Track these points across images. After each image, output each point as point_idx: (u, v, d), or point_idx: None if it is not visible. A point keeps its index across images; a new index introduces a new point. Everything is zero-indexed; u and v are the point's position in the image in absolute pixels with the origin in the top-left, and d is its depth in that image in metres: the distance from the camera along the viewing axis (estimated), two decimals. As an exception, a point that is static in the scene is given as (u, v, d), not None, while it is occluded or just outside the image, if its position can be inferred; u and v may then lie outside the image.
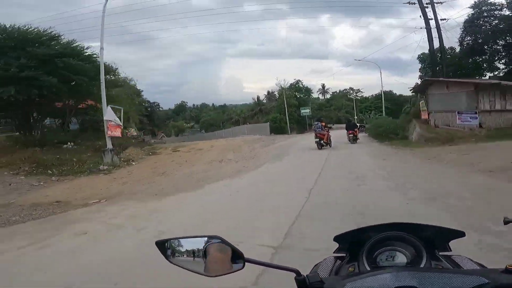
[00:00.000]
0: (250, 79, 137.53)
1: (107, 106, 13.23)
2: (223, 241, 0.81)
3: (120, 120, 14.07)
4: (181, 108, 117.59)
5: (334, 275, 0.93)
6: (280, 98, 47.05)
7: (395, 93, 79.92)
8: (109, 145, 13.03)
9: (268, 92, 59.92)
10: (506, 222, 0.95)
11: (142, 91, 50.38)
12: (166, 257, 0.83)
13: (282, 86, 48.34)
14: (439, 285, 0.64)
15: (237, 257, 0.80)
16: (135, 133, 26.89)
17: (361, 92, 79.83)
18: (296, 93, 52.07)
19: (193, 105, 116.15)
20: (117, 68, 22.63)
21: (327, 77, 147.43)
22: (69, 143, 14.57)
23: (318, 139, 13.36)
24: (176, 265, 0.83)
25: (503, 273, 0.67)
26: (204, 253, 0.81)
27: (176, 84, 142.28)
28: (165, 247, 0.84)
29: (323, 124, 14.92)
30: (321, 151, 14.27)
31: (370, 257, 0.88)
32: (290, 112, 45.53)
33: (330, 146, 14.55)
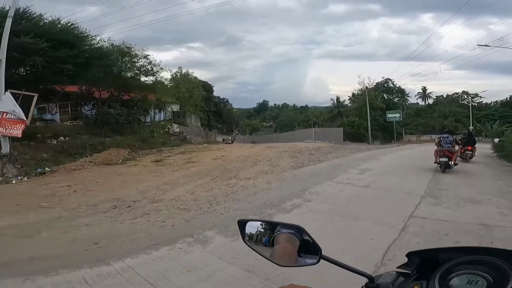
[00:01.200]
0: (337, 81, 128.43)
1: (5, 91, 9.43)
2: (304, 232, 0.79)
3: (27, 112, 10.12)
4: (262, 107, 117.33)
5: None
6: (361, 99, 38.17)
7: (535, 99, 58.97)
8: (5, 149, 9.34)
9: (353, 94, 50.94)
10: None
11: (213, 86, 49.18)
12: (242, 237, 0.84)
13: (366, 85, 39.14)
14: None
15: (313, 251, 0.78)
16: (177, 129, 23.67)
17: (480, 97, 61.56)
18: (384, 94, 41.96)
19: (275, 104, 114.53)
20: (147, 55, 19.68)
21: (430, 82, 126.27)
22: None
23: (446, 159, 9.34)
24: (249, 247, 0.82)
25: None
26: (273, 240, 0.81)
27: (262, 83, 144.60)
28: (245, 226, 0.84)
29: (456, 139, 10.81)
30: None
31: (443, 279, 0.82)
32: (374, 116, 36.29)
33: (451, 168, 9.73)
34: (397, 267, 0.95)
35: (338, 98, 49.21)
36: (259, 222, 0.88)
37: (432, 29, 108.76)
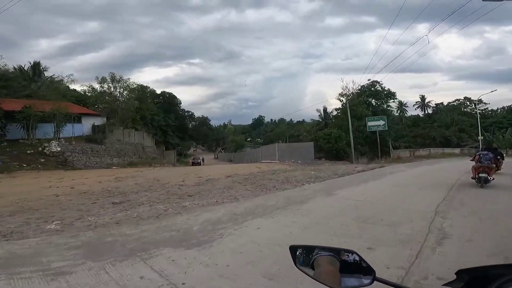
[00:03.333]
0: (336, 95, 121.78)
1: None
2: (357, 255, 0.81)
3: None
4: (258, 123, 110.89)
5: None
6: (343, 108, 30.54)
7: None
8: None
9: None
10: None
11: (179, 99, 41.28)
12: (294, 262, 0.85)
13: (349, 88, 31.47)
14: None
15: (367, 273, 0.79)
16: (56, 149, 16.33)
17: (484, 103, 53.28)
18: (371, 99, 34.29)
19: (271, 120, 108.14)
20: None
21: (429, 93, 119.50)
22: None
23: (485, 174, 8.76)
24: (302, 271, 0.83)
25: None
26: (312, 263, 0.83)
27: (261, 99, 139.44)
28: (296, 252, 0.86)
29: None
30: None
31: None
32: (358, 127, 28.46)
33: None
34: (443, 285, 0.91)
35: (325, 109, 40.70)
36: (308, 248, 0.88)
37: (428, 39, 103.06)
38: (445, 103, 58.96)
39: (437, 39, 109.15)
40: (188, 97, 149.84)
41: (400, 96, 70.44)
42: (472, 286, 0.84)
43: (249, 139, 75.62)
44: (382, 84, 34.57)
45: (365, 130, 30.95)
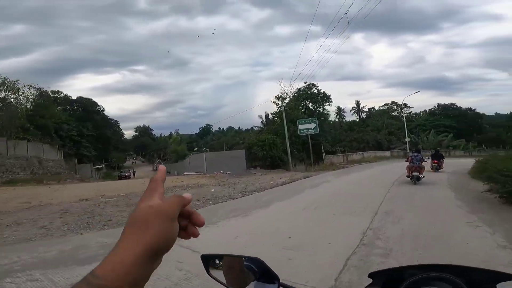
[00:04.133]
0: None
1: None
2: (261, 263, 0.82)
3: None
4: (205, 132, 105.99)
5: None
6: (279, 111, 28.73)
7: (460, 106, 56.47)
8: None
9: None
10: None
11: (100, 106, 35.32)
12: (207, 270, 0.87)
13: (286, 91, 29.83)
14: None
15: (272, 280, 0.80)
16: None
17: (408, 107, 57.47)
18: (308, 103, 33.31)
19: (219, 128, 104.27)
20: None
21: (364, 99, 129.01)
22: None
23: (417, 173, 10.39)
24: (214, 279, 0.85)
25: None
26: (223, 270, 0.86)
27: (212, 107, 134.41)
28: (208, 261, 0.87)
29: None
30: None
31: None
32: (293, 132, 26.78)
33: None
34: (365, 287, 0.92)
35: (267, 115, 38.34)
36: (218, 256, 0.89)
37: (363, 49, 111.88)
38: (376, 108, 62.42)
39: (370, 49, 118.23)
40: (130, 106, 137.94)
41: (340, 103, 72.99)
42: (387, 286, 0.86)
43: (196, 149, 70.86)
44: (318, 86, 33.91)
45: (302, 135, 29.61)
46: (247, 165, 25.41)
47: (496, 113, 65.39)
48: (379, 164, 19.89)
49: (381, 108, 59.68)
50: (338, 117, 62.33)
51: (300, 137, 28.48)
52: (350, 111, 66.66)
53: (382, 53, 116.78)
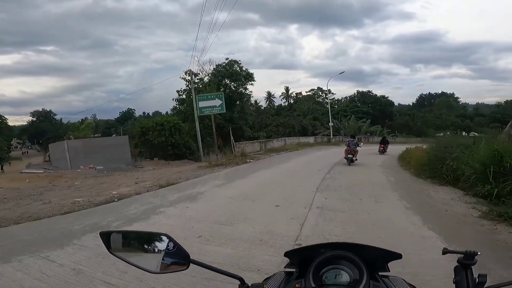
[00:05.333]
0: None
1: None
2: (170, 239, 0.78)
3: None
4: (126, 117, 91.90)
5: None
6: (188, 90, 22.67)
7: (376, 94, 59.20)
8: None
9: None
10: (444, 252, 0.90)
11: None
12: (108, 248, 0.80)
13: (204, 69, 23.86)
14: None
15: (184, 257, 0.77)
16: None
17: (332, 93, 57.71)
18: (229, 82, 27.95)
19: (143, 113, 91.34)
20: None
21: (294, 88, 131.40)
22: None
23: (351, 156, 11.74)
24: (117, 257, 0.79)
25: None
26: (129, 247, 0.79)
27: (138, 92, 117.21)
28: (109, 238, 0.80)
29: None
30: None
31: (317, 275, 0.84)
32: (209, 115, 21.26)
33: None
34: (284, 267, 0.95)
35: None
36: (122, 233, 0.82)
37: (297, 39, 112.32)
38: (304, 94, 61.20)
39: (302, 40, 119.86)
40: (34, 88, 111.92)
41: (272, 90, 70.40)
42: (302, 265, 0.87)
43: (115, 135, 59.10)
44: (240, 64, 28.63)
45: (219, 119, 24.19)
46: (137, 156, 18.92)
47: (399, 104, 71.74)
48: (300, 154, 15.90)
49: (308, 93, 58.39)
50: (268, 102, 59.54)
51: (216, 120, 23.16)
52: (280, 96, 64.33)
53: (312, 45, 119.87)
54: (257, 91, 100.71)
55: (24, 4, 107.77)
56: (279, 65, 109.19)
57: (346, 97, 56.70)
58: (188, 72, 19.08)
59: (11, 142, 57.51)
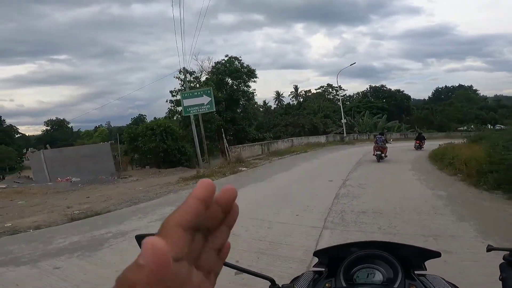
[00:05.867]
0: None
1: None
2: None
3: None
4: (138, 122, 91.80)
5: None
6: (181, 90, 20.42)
7: (389, 88, 55.27)
8: None
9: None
10: (488, 249, 0.85)
11: None
12: None
13: (203, 67, 21.69)
14: None
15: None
16: None
17: (343, 90, 54.37)
18: (227, 79, 25.55)
19: (154, 118, 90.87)
20: None
21: (303, 87, 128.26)
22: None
23: (379, 152, 11.48)
24: None
25: None
26: None
27: (149, 98, 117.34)
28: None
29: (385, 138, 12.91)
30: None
31: (348, 274, 0.81)
32: (210, 117, 19.12)
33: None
34: (313, 266, 0.93)
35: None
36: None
37: (303, 38, 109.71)
38: (313, 91, 58.13)
39: (310, 38, 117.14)
40: (51, 98, 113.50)
41: (281, 90, 68.49)
42: (333, 266, 0.84)
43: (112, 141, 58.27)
44: (241, 60, 26.16)
45: (219, 120, 21.85)
46: (129, 164, 16.79)
47: (413, 99, 67.36)
48: (307, 158, 13.21)
49: (317, 90, 55.23)
50: (277, 102, 57.10)
51: (217, 122, 20.85)
52: (289, 95, 61.68)
53: (320, 43, 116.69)
54: (266, 92, 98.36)
55: (32, 13, 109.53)
56: (287, 65, 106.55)
57: (358, 93, 53.12)
58: (182, 70, 16.83)
59: (24, 151, 57.64)
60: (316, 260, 0.89)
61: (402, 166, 9.55)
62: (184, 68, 17.12)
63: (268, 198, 5.88)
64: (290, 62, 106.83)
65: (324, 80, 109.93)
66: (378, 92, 49.55)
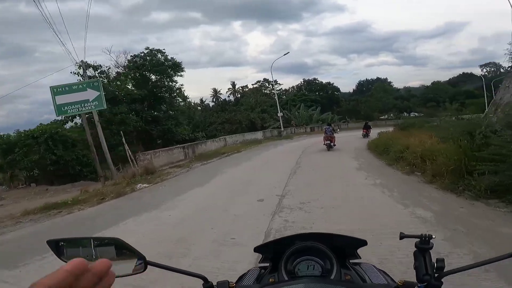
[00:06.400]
0: None
1: None
2: (123, 243, 0.71)
3: None
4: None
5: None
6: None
7: (321, 81, 57.16)
8: None
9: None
10: (401, 237, 0.84)
11: None
12: (59, 256, 0.74)
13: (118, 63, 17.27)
14: None
15: (139, 258, 0.71)
16: None
17: (279, 84, 54.10)
18: (149, 74, 21.51)
19: (75, 123, 77.16)
20: None
21: (242, 84, 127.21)
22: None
23: (329, 141, 12.10)
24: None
25: None
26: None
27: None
28: (59, 245, 0.74)
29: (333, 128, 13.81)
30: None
31: (290, 267, 0.81)
32: (118, 115, 15.08)
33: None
34: (258, 262, 0.91)
35: None
36: (71, 240, 0.76)
37: (241, 36, 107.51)
38: (250, 87, 56.54)
39: (247, 36, 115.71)
40: None
41: (219, 87, 65.23)
42: (276, 259, 0.84)
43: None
44: (165, 53, 22.21)
45: (135, 121, 17.92)
46: (9, 182, 12.07)
47: (340, 92, 71.80)
48: (238, 161, 10.74)
49: (254, 86, 53.77)
50: (214, 99, 53.80)
51: (130, 123, 16.85)
52: (226, 92, 58.85)
53: (257, 41, 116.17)
54: (206, 90, 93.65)
55: None
56: (226, 62, 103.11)
57: (293, 87, 53.46)
58: (80, 63, 12.33)
59: None
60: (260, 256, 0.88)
61: (349, 164, 7.82)
62: (82, 61, 12.70)
63: (145, 251, 3.14)
64: (229, 60, 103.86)
65: (262, 77, 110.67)
66: (311, 85, 50.60)
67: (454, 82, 54.33)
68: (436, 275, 0.66)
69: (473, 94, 46.49)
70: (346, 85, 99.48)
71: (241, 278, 0.89)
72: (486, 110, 7.76)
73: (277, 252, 0.83)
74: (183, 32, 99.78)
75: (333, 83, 52.24)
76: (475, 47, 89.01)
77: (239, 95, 59.11)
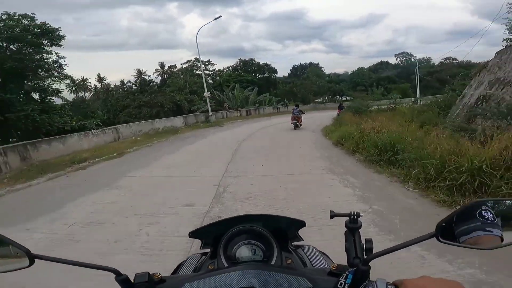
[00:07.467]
0: (89, 74, 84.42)
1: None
2: (2, 236, 0.63)
3: None
4: None
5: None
6: None
7: (259, 62, 52.50)
8: None
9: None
10: (331, 216, 0.81)
11: None
12: None
13: None
14: (273, 287, 0.60)
15: (22, 253, 0.63)
16: None
17: (213, 64, 47.74)
18: (11, 45, 13.15)
19: None
20: None
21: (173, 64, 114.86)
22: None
23: (295, 121, 13.05)
24: None
25: (328, 275, 0.62)
26: None
27: None
28: None
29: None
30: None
31: (231, 252, 0.74)
32: None
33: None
34: (200, 248, 0.84)
35: None
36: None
37: (177, 18, 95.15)
38: (179, 67, 48.57)
39: (184, 18, 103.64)
40: None
41: (144, 69, 54.87)
42: (216, 245, 0.77)
43: None
44: (34, 17, 13.76)
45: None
46: None
47: (276, 76, 69.94)
48: (104, 181, 5.07)
49: (184, 65, 46.17)
50: (138, 80, 44.44)
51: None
52: (154, 73, 49.62)
53: (194, 23, 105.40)
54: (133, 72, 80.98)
55: None
56: (159, 45, 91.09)
57: (228, 67, 47.73)
58: None
59: None
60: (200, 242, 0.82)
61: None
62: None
63: None
64: (163, 42, 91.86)
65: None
66: (247, 66, 45.77)
67: (374, 69, 57.08)
68: (365, 257, 0.64)
69: (393, 80, 49.44)
70: (281, 70, 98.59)
71: (179, 266, 0.83)
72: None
73: (217, 237, 0.76)
74: (106, 13, 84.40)
75: (270, 64, 48.38)
76: (389, 38, 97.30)
77: (167, 77, 50.68)
